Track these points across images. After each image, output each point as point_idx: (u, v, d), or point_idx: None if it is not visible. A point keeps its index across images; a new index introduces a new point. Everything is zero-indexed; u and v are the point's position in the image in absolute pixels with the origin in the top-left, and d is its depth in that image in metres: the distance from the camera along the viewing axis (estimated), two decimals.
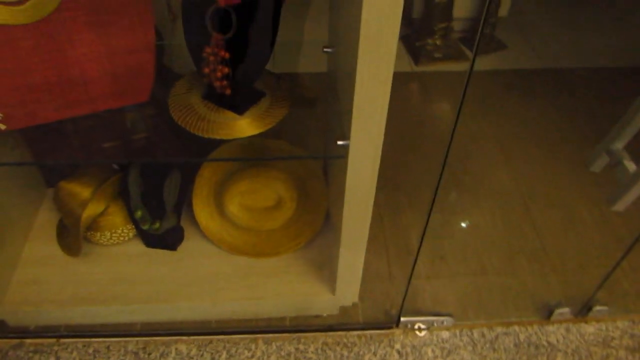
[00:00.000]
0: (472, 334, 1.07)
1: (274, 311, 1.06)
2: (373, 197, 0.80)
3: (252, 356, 1.02)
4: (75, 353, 1.02)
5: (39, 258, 1.07)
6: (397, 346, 1.04)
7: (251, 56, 0.76)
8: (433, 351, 1.04)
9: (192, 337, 1.05)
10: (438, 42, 1.74)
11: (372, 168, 0.75)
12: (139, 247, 1.08)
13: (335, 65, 0.87)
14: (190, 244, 1.08)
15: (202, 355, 1.02)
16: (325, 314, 1.08)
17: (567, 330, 1.08)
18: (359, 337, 1.06)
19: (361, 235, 0.87)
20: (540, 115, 1.56)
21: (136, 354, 1.02)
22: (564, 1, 2.02)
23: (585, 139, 1.46)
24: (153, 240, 1.07)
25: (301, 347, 1.04)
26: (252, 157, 1.10)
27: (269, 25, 0.74)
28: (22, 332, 1.04)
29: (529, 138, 1.49)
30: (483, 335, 1.06)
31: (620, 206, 0.77)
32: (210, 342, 1.04)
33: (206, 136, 0.79)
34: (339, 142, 0.73)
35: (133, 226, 1.06)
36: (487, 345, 1.05)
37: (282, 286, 1.03)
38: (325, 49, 0.89)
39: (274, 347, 1.03)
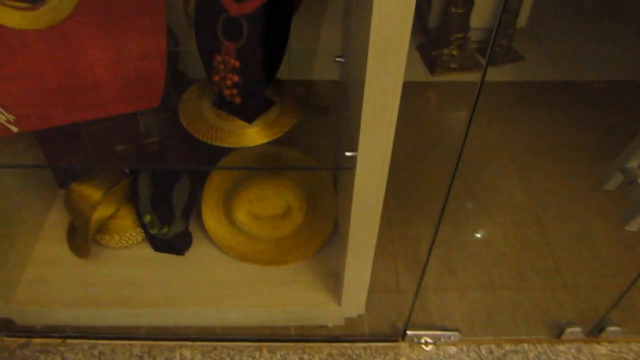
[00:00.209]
0: (479, 350, 1.05)
1: (280, 320, 1.05)
2: (380, 209, 0.79)
3: None
4: (80, 354, 1.03)
5: (48, 258, 1.07)
6: None
7: (261, 65, 0.76)
8: None
9: (196, 343, 1.05)
10: (454, 52, 1.72)
11: (379, 180, 0.74)
12: (147, 251, 1.08)
13: (346, 75, 0.87)
14: (198, 249, 1.09)
15: None
16: (330, 325, 1.07)
17: (579, 350, 1.06)
18: (364, 349, 1.04)
19: (368, 246, 0.86)
20: (556, 129, 1.53)
21: (141, 357, 1.02)
22: (584, 13, 1.99)
23: (602, 155, 1.43)
24: (161, 244, 1.07)
25: (306, 357, 1.03)
26: (263, 164, 1.10)
27: (279, 35, 0.74)
28: (29, 332, 1.05)
29: (544, 151, 1.46)
30: (491, 352, 1.05)
31: (634, 226, 0.75)
32: (215, 348, 1.04)
33: (214, 144, 0.79)
34: (347, 154, 0.72)
35: (142, 230, 1.07)
36: None
37: (288, 295, 1.02)
38: (337, 59, 0.88)
39: (279, 356, 1.03)
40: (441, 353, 1.04)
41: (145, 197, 1.05)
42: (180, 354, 1.03)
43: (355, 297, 0.99)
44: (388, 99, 0.64)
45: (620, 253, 1.21)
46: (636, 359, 1.04)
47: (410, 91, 1.65)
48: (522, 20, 1.76)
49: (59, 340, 1.05)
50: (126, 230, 1.05)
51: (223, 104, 0.84)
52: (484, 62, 1.71)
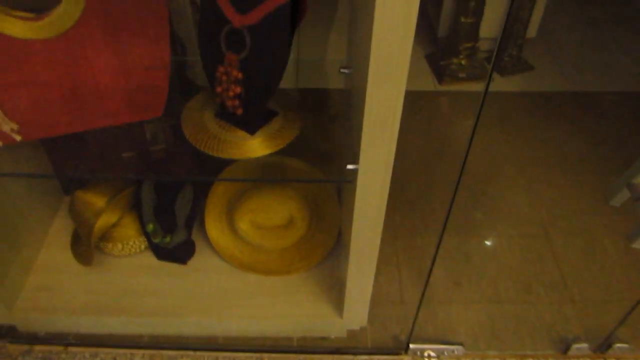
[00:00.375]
0: None
1: (281, 330, 1.04)
2: (382, 222, 0.78)
3: None
4: None
5: (52, 265, 1.08)
6: None
7: (264, 76, 0.76)
8: None
9: (197, 353, 1.04)
10: (463, 62, 1.71)
11: (381, 193, 0.73)
12: (150, 259, 1.08)
13: (350, 86, 0.86)
14: (201, 258, 1.08)
15: None
16: (332, 336, 1.06)
17: None
18: None
19: (370, 259, 0.86)
20: (565, 140, 1.51)
21: None
22: (595, 23, 1.97)
23: (610, 167, 1.41)
24: (164, 253, 1.07)
25: None
26: (267, 174, 1.10)
27: (282, 46, 0.73)
28: (32, 339, 1.05)
29: (552, 163, 1.45)
30: None
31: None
32: (216, 358, 1.04)
33: (216, 155, 0.79)
34: (349, 166, 0.72)
35: (145, 238, 1.07)
36: None
37: (290, 305, 1.02)
38: (342, 70, 0.88)
39: None
40: None
41: (149, 205, 1.05)
42: None
43: (357, 309, 0.98)
44: (389, 112, 0.63)
45: (629, 268, 1.19)
46: None
47: (418, 100, 1.65)
48: (532, 30, 1.75)
49: (60, 348, 1.05)
50: (129, 238, 1.05)
51: (225, 115, 0.84)
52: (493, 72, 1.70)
